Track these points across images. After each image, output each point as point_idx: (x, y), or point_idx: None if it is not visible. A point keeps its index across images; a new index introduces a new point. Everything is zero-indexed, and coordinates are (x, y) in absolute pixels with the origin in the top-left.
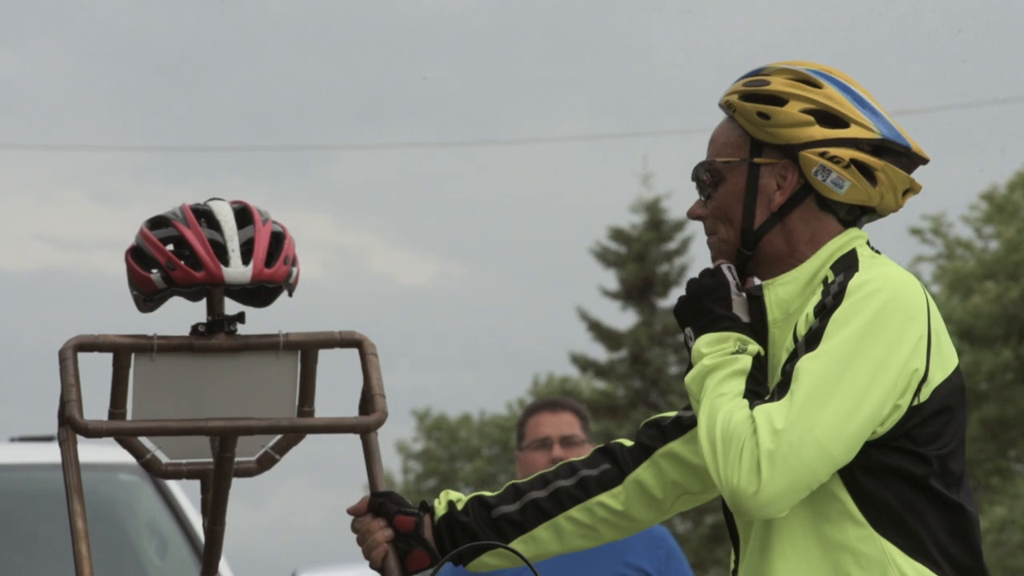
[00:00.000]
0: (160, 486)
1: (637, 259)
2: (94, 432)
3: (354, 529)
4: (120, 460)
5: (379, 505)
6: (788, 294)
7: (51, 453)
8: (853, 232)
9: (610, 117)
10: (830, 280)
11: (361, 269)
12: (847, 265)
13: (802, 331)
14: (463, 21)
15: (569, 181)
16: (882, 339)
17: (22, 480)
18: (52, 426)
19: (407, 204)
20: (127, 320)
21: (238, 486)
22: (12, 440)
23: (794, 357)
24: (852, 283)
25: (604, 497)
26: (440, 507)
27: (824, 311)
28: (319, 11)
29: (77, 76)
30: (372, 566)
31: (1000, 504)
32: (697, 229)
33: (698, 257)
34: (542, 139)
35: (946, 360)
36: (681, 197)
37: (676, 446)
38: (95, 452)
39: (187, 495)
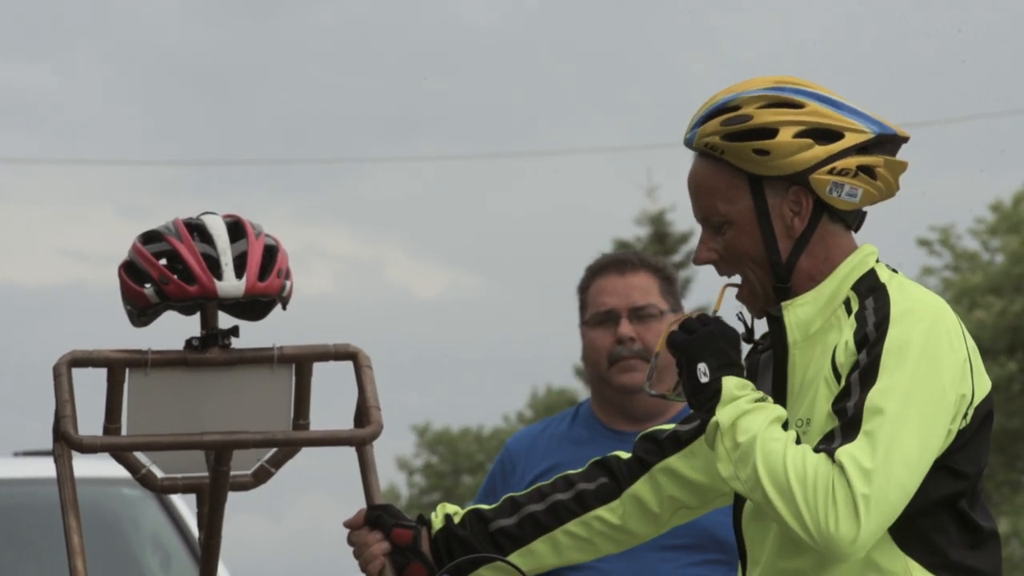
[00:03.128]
0: (163, 500)
1: None
2: (89, 447)
3: (350, 542)
4: (123, 474)
5: (376, 518)
6: (808, 315)
7: (54, 468)
8: (866, 249)
9: (631, 130)
10: (853, 302)
11: (376, 281)
12: (871, 287)
13: (843, 361)
14: (491, 35)
15: (585, 194)
16: (936, 368)
17: (27, 494)
18: None
19: (428, 217)
20: (146, 335)
21: (257, 499)
22: (16, 455)
23: (847, 394)
24: (894, 312)
25: (601, 511)
26: (437, 520)
27: (868, 343)
28: (350, 26)
29: (110, 90)
30: None
31: (1008, 515)
32: None
33: (702, 270)
34: (562, 152)
35: (983, 381)
36: (686, 211)
37: (674, 461)
38: (98, 467)
39: (190, 509)
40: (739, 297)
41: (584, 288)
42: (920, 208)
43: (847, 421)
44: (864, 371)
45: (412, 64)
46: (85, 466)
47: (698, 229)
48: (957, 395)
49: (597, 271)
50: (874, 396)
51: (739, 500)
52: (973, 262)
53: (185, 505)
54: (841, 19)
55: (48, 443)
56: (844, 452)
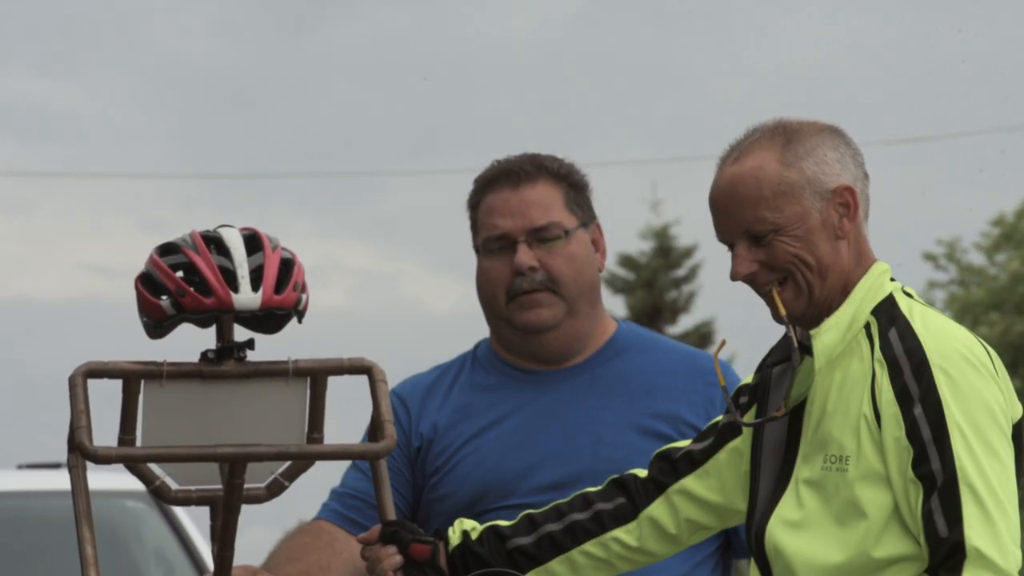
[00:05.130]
0: (167, 513)
1: (646, 286)
2: (104, 458)
3: (364, 557)
4: (127, 487)
5: (392, 534)
6: (832, 340)
7: (58, 480)
8: (878, 267)
9: (637, 144)
10: (873, 328)
11: (390, 295)
12: (890, 315)
13: (888, 411)
14: (514, 52)
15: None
16: (990, 406)
17: (30, 507)
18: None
19: (446, 231)
20: (163, 349)
21: (268, 512)
22: (19, 467)
23: (925, 458)
24: (931, 357)
25: (618, 532)
26: (455, 536)
27: (916, 396)
28: (376, 42)
29: (136, 106)
30: None
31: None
32: (707, 256)
33: (706, 285)
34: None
35: (1016, 405)
36: (690, 225)
37: (689, 482)
38: (102, 479)
39: (194, 522)
40: (783, 296)
41: (473, 206)
42: (926, 221)
43: (942, 490)
44: (935, 431)
45: (437, 79)
46: (89, 478)
47: (705, 242)
48: (1010, 425)
49: (486, 184)
50: (967, 464)
51: (762, 507)
52: (979, 276)
53: (189, 518)
54: (865, 35)
55: (52, 456)
56: (976, 538)
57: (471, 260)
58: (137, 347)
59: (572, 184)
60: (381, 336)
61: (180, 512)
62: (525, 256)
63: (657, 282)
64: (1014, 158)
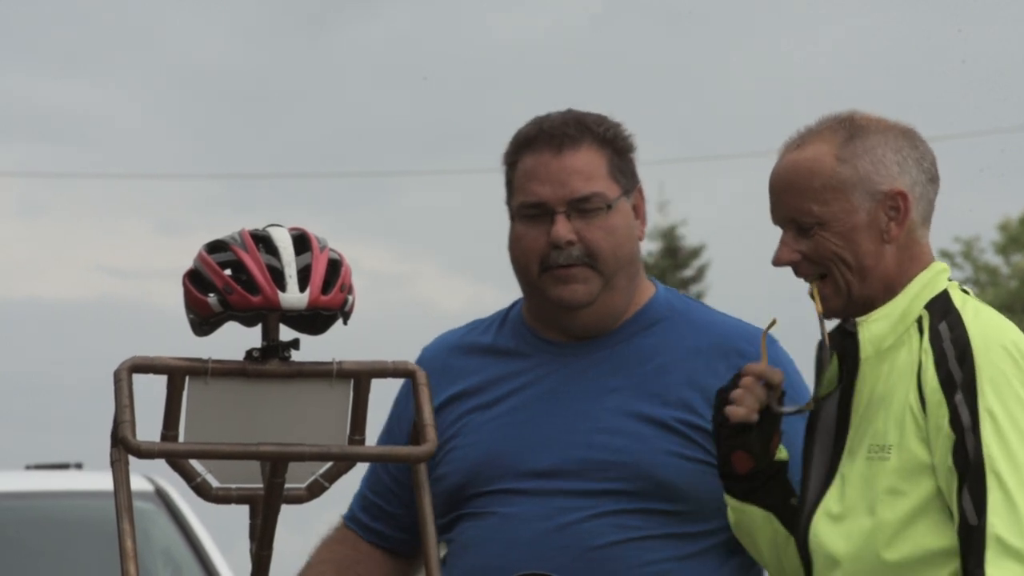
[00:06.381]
0: (176, 514)
1: None
2: (147, 453)
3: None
4: (136, 488)
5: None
6: (881, 331)
7: (65, 481)
8: (937, 266)
9: (644, 145)
10: (925, 321)
11: (404, 296)
12: (944, 309)
13: (933, 398)
14: (527, 53)
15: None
16: None
17: (36, 507)
18: (90, 454)
19: (461, 231)
20: (179, 351)
21: (284, 512)
22: (27, 467)
23: (962, 446)
24: (976, 345)
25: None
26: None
27: (959, 383)
28: (393, 44)
29: (151, 107)
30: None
31: None
32: (714, 256)
33: (714, 284)
34: None
35: None
36: (696, 225)
37: None
38: (110, 480)
39: (203, 524)
40: (823, 292)
41: (511, 164)
42: (947, 218)
43: (971, 475)
44: (972, 414)
45: (452, 80)
46: (97, 479)
47: (712, 243)
48: None
49: (525, 144)
50: (997, 453)
51: (811, 500)
52: (994, 276)
53: (197, 519)
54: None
55: (62, 456)
56: (996, 530)
57: (485, 261)
58: (174, 349)
59: (617, 149)
60: (395, 336)
61: (189, 513)
62: (563, 229)
63: (664, 282)
64: (1014, 158)
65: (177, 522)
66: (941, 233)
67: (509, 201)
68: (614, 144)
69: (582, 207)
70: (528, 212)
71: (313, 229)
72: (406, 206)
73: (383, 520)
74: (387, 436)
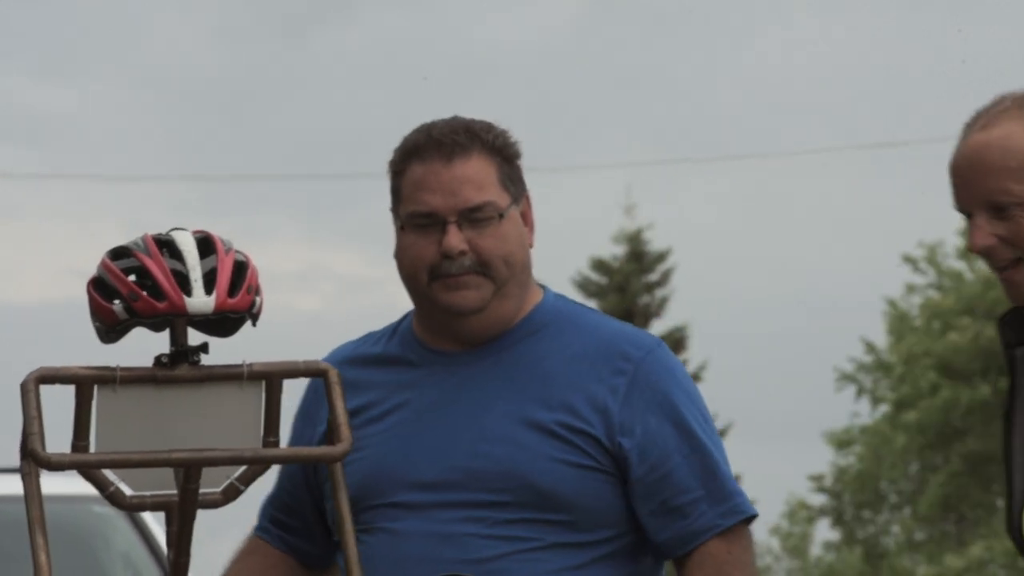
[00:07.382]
0: (134, 518)
1: (618, 290)
2: (56, 465)
3: None
4: (93, 492)
5: None
6: None
7: (12, 485)
8: None
9: (611, 149)
10: None
11: (374, 299)
12: None
13: None
14: (510, 57)
15: (563, 210)
16: None
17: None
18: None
19: None
20: (148, 353)
21: (234, 515)
22: None
23: None
24: None
25: None
26: None
27: None
28: (376, 47)
29: (125, 109)
30: None
31: (984, 538)
32: (680, 260)
33: (679, 289)
34: (544, 169)
35: None
36: (663, 228)
37: None
38: (68, 484)
39: (161, 527)
40: (1016, 279)
41: (398, 172)
42: (910, 223)
43: None
44: None
45: (430, 83)
46: (56, 483)
47: (678, 247)
48: None
49: (414, 152)
50: None
51: (1019, 496)
52: (957, 281)
53: (156, 523)
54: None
55: (13, 460)
56: None
57: None
58: (143, 354)
59: (506, 157)
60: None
61: (148, 517)
62: (455, 239)
63: (630, 286)
64: None
65: (136, 526)
66: (906, 238)
67: (396, 209)
68: (503, 152)
69: (474, 216)
70: (418, 222)
71: (286, 232)
72: (381, 209)
73: (292, 530)
74: (297, 440)
